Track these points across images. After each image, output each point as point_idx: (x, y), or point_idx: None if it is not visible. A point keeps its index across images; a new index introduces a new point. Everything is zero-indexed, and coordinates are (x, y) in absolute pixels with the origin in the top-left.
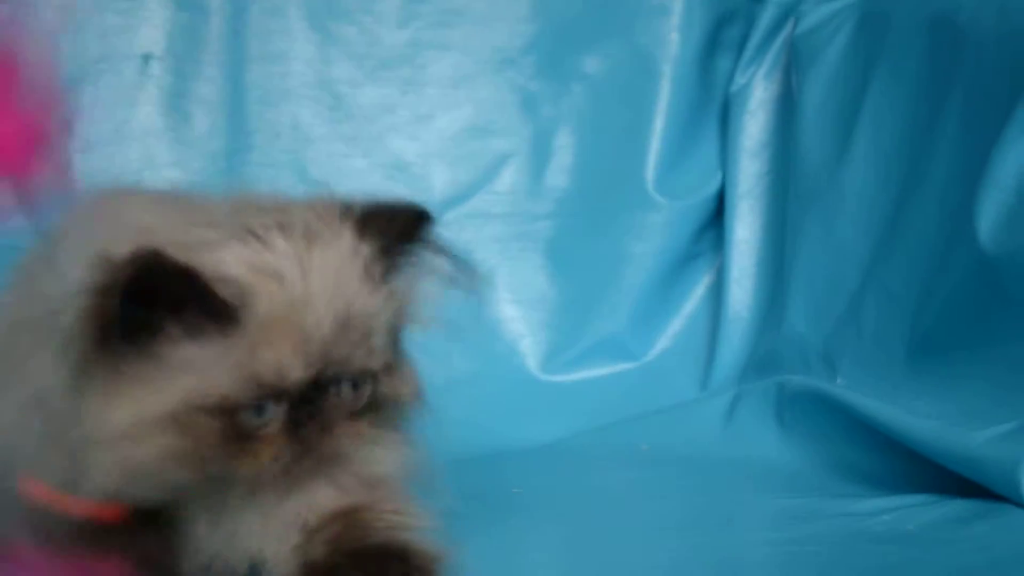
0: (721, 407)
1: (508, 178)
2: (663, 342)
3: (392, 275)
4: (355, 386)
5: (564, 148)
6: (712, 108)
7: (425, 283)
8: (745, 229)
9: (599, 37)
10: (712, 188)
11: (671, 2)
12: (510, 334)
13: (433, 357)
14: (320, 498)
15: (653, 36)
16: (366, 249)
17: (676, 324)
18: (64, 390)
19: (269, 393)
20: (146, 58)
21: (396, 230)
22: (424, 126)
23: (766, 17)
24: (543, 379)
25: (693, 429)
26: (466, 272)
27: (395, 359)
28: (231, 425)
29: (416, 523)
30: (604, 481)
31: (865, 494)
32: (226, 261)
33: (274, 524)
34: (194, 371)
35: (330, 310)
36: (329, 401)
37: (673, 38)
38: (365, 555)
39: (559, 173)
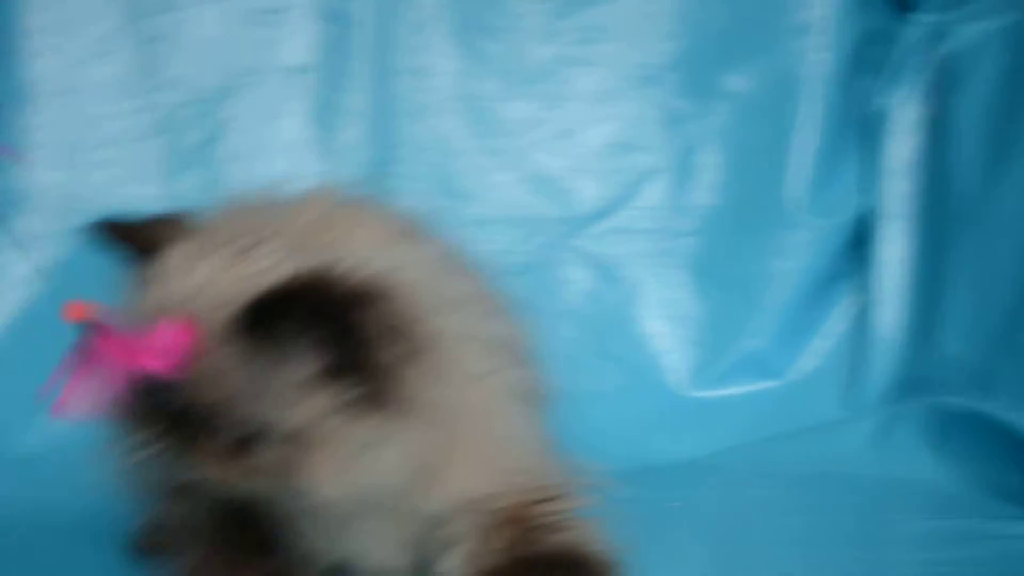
0: (871, 427)
1: (652, 194)
2: (807, 361)
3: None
4: None
5: (708, 165)
6: (856, 127)
7: None
8: (893, 249)
9: (743, 55)
10: (858, 207)
11: (814, 21)
12: (656, 349)
13: (580, 370)
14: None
15: (796, 55)
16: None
17: (820, 343)
18: None
19: None
20: None
21: None
22: (568, 141)
23: (911, 36)
24: (689, 395)
25: (842, 449)
26: None
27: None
28: None
29: (585, 528)
30: (751, 497)
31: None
32: None
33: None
34: None
35: None
36: None
37: (817, 57)
38: (542, 562)
39: (703, 190)
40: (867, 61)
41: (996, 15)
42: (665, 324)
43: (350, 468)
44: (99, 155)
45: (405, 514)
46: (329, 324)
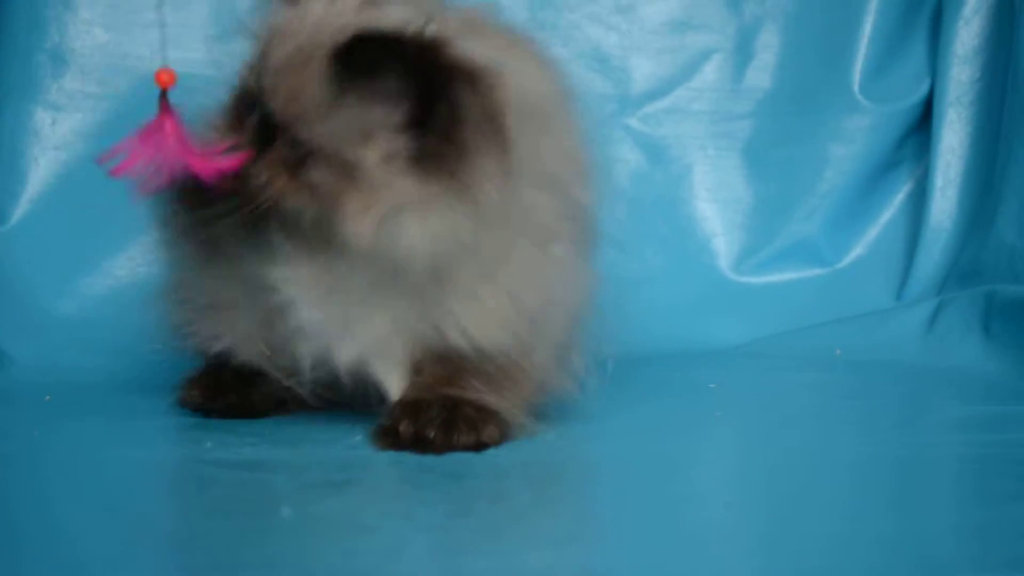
0: (921, 315)
1: (709, 75)
2: (859, 249)
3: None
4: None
5: (767, 47)
6: (923, 12)
7: None
8: (953, 137)
9: None
10: (919, 94)
11: None
12: (703, 232)
13: (626, 252)
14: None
15: None
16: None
17: (873, 231)
18: None
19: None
20: None
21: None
22: (625, 17)
23: None
24: (735, 279)
25: (891, 336)
26: None
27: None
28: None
29: (509, 388)
30: (794, 382)
31: None
32: None
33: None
34: None
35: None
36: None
37: None
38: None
39: (761, 72)
40: None
41: None
42: (714, 207)
43: (390, 219)
44: (146, 17)
45: (413, 305)
46: (428, 82)
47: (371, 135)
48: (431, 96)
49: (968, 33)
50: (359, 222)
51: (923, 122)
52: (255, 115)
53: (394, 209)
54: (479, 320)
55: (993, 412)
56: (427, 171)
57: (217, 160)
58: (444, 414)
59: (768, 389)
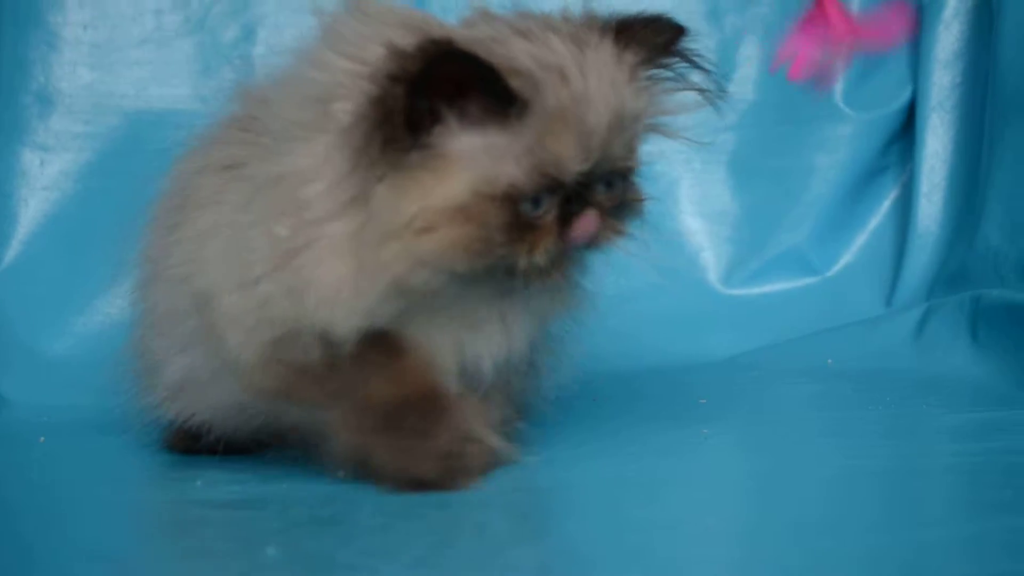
0: (910, 322)
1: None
2: (847, 257)
3: (651, 83)
4: (608, 185)
5: (749, 59)
6: None
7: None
8: (936, 141)
9: None
10: (902, 100)
11: None
12: (691, 247)
13: (614, 269)
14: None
15: None
16: (629, 56)
17: (861, 239)
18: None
19: (550, 184)
20: None
21: (653, 40)
22: None
23: None
24: (724, 292)
25: (880, 344)
26: (717, 86)
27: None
28: (514, 214)
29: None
30: (789, 393)
31: None
32: (515, 53)
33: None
34: (482, 162)
35: (608, 108)
36: (593, 198)
37: None
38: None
39: (744, 84)
40: None
41: None
42: (701, 221)
43: None
44: (132, 55)
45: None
46: None
47: None
48: None
49: (948, 37)
50: None
51: (907, 128)
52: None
53: None
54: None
55: (981, 419)
56: None
57: (885, 25)
58: None
59: (758, 403)
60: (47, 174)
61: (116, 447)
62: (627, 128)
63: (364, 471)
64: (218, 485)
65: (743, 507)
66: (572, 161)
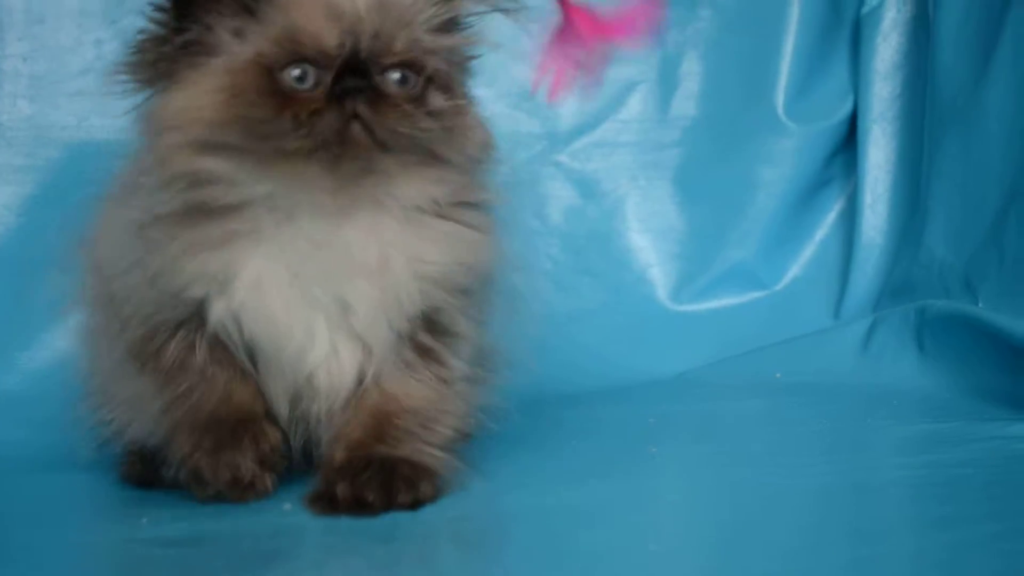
0: (857, 334)
1: (635, 106)
2: (794, 270)
3: None
4: (403, 80)
5: (691, 75)
6: (843, 31)
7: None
8: (879, 153)
9: None
10: (843, 112)
11: None
12: (639, 264)
13: (562, 288)
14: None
15: None
16: None
17: (808, 251)
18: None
19: (304, 56)
20: None
21: None
22: None
23: None
24: (673, 309)
25: (828, 357)
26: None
27: (461, 99)
28: (271, 83)
29: (436, 441)
30: (737, 409)
31: (1014, 418)
32: None
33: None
34: (234, 44)
35: None
36: (376, 82)
37: None
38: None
39: (686, 100)
40: None
41: None
42: (648, 238)
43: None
44: (72, 85)
45: None
46: None
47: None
48: None
49: (887, 49)
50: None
51: (849, 140)
52: (339, 62)
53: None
54: None
55: (926, 431)
56: None
57: (632, 19)
58: (381, 475)
59: (706, 420)
60: None
61: (62, 484)
62: (396, 10)
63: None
64: (164, 523)
65: (685, 531)
66: (319, 34)
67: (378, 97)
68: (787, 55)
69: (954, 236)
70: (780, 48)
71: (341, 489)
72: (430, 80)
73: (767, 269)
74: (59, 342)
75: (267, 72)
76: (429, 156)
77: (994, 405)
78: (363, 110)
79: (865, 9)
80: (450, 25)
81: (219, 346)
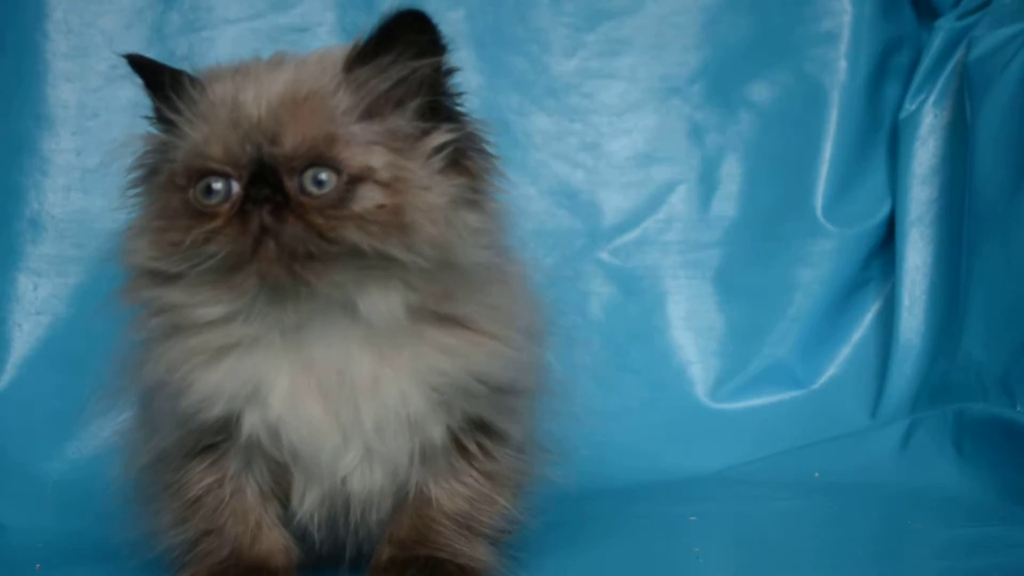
0: (895, 435)
1: (676, 206)
2: (832, 370)
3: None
4: (318, 181)
5: (731, 176)
6: (881, 135)
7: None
8: (916, 256)
9: (766, 65)
10: (881, 215)
11: (839, 29)
12: (679, 361)
13: (604, 385)
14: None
15: (821, 63)
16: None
17: (845, 352)
18: None
19: (209, 169)
20: None
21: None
22: (591, 153)
23: (936, 43)
24: (712, 406)
25: (866, 457)
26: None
27: (409, 174)
28: (183, 202)
29: (481, 536)
30: (777, 508)
31: None
32: (212, 70)
33: None
34: (166, 163)
35: (261, 99)
36: (288, 188)
37: (841, 65)
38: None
39: (727, 201)
40: (893, 69)
41: (1019, 19)
42: (688, 335)
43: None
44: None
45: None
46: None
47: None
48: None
49: (925, 153)
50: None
51: (887, 241)
52: (247, 172)
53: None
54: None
55: (967, 536)
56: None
57: None
58: (426, 572)
59: (747, 519)
60: (40, 298)
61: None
62: (304, 111)
63: None
64: None
65: None
66: (222, 144)
67: (285, 204)
68: (826, 158)
69: (992, 339)
70: (819, 151)
71: None
72: (359, 178)
73: (805, 368)
74: (107, 433)
75: (180, 190)
76: (383, 260)
77: None
78: (268, 221)
79: (903, 114)
80: (390, 108)
81: (246, 470)
